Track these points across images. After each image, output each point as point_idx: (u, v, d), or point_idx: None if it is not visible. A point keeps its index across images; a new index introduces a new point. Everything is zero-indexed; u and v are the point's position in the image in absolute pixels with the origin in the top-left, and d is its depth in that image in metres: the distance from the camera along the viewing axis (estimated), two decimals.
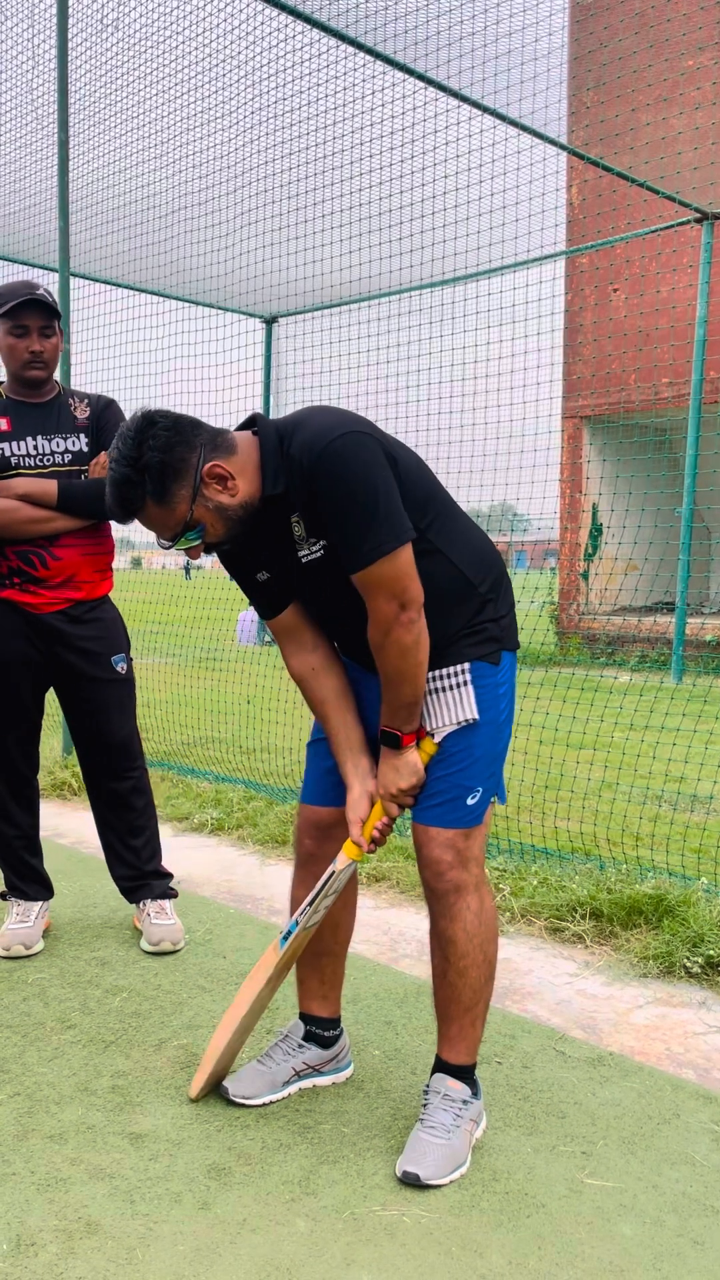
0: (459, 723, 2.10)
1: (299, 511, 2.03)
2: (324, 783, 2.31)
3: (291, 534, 2.08)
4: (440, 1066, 2.20)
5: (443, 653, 2.10)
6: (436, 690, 2.11)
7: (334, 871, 2.22)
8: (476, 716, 2.10)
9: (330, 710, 2.22)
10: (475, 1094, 2.20)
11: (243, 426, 2.15)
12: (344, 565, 1.98)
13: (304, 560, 2.09)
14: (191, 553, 2.09)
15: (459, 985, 2.15)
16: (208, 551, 2.11)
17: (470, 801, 2.11)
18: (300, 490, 2.00)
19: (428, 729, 2.12)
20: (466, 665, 2.10)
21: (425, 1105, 2.17)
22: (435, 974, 2.19)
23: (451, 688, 2.10)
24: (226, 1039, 2.32)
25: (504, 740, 2.19)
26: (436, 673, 2.11)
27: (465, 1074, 2.20)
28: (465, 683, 2.10)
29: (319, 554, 2.06)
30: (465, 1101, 2.16)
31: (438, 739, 2.11)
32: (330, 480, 1.94)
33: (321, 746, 2.32)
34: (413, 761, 2.10)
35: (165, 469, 1.98)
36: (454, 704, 2.10)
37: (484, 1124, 2.24)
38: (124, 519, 2.07)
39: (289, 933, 2.28)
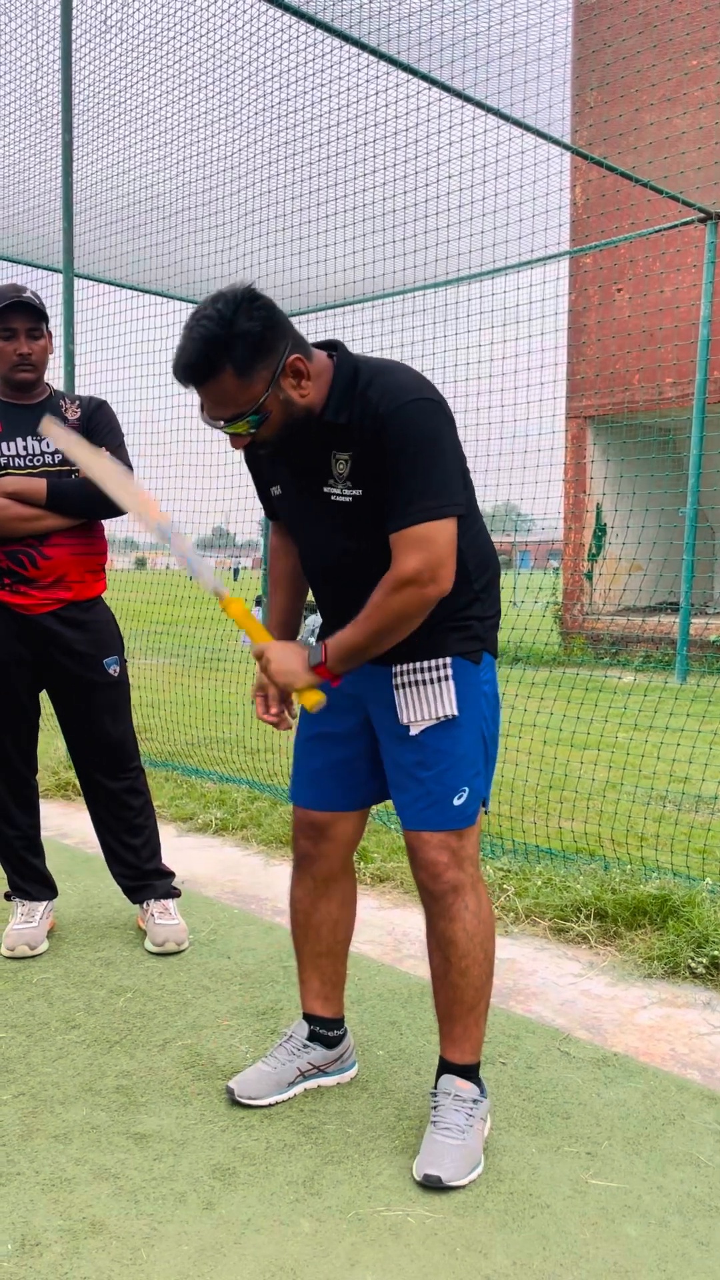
0: (438, 718, 2.08)
1: (352, 450, 2.00)
2: (316, 784, 2.31)
3: (328, 466, 2.04)
4: (447, 1068, 2.20)
5: (425, 642, 2.08)
6: (417, 683, 2.09)
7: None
8: (456, 713, 2.08)
9: (280, 588, 2.39)
10: (483, 1093, 2.21)
11: (320, 346, 2.11)
12: (389, 519, 1.96)
13: (331, 498, 2.05)
14: (236, 441, 2.04)
15: (461, 985, 2.15)
16: (250, 449, 2.07)
17: (457, 802, 2.10)
18: (364, 431, 1.97)
19: (403, 720, 2.10)
20: (448, 660, 2.09)
21: (436, 1107, 2.16)
22: (436, 976, 2.19)
23: (432, 681, 2.08)
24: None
25: (489, 744, 2.17)
26: (418, 664, 2.09)
27: (472, 1073, 2.20)
28: (446, 677, 2.09)
29: (348, 499, 2.03)
30: (475, 1101, 2.17)
31: (414, 731, 2.09)
32: (403, 435, 1.93)
33: (311, 745, 2.32)
34: (297, 671, 2.06)
35: (260, 342, 1.91)
36: (434, 698, 2.08)
37: (490, 1123, 2.25)
38: (195, 380, 1.94)
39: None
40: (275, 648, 2.10)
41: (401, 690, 2.11)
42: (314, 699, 2.10)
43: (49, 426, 2.46)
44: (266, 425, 1.99)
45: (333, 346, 2.10)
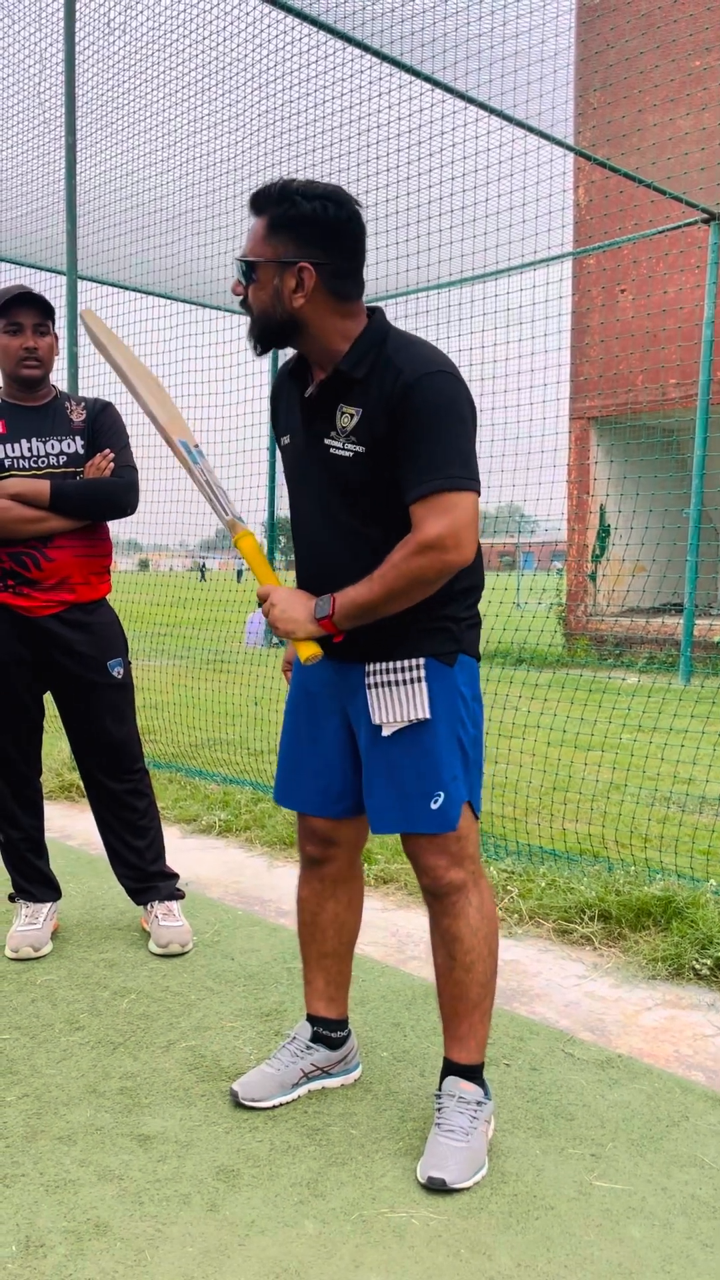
0: (409, 720, 2.06)
1: (363, 407, 2.00)
2: (318, 790, 2.28)
3: (332, 419, 2.05)
4: (451, 1069, 2.19)
5: (399, 642, 2.07)
6: (390, 683, 2.07)
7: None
8: (428, 715, 2.06)
9: None
10: (487, 1094, 2.20)
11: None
12: (409, 485, 1.95)
13: (330, 450, 2.05)
14: (234, 287, 2.08)
15: (466, 982, 2.14)
16: (242, 304, 2.09)
17: (434, 806, 2.07)
18: (380, 390, 1.97)
19: (375, 720, 2.08)
20: (422, 661, 2.07)
21: (440, 1109, 2.15)
22: (440, 973, 2.19)
23: (405, 682, 2.06)
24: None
25: (469, 749, 2.13)
26: (391, 665, 2.07)
27: (476, 1074, 2.19)
28: (419, 679, 2.06)
29: (348, 454, 2.03)
30: (479, 1103, 2.16)
31: (386, 733, 2.08)
32: (430, 403, 1.93)
33: (298, 748, 2.30)
34: (301, 620, 2.05)
35: (298, 221, 1.98)
36: (406, 699, 2.06)
37: (494, 1124, 2.24)
38: (252, 203, 2.05)
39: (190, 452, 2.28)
40: (281, 592, 2.09)
41: (374, 690, 2.09)
42: (310, 650, 2.08)
43: (89, 314, 2.41)
44: (253, 292, 2.04)
45: (373, 310, 2.12)
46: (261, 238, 2.01)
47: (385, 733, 2.08)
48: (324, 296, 2.02)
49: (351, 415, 2.02)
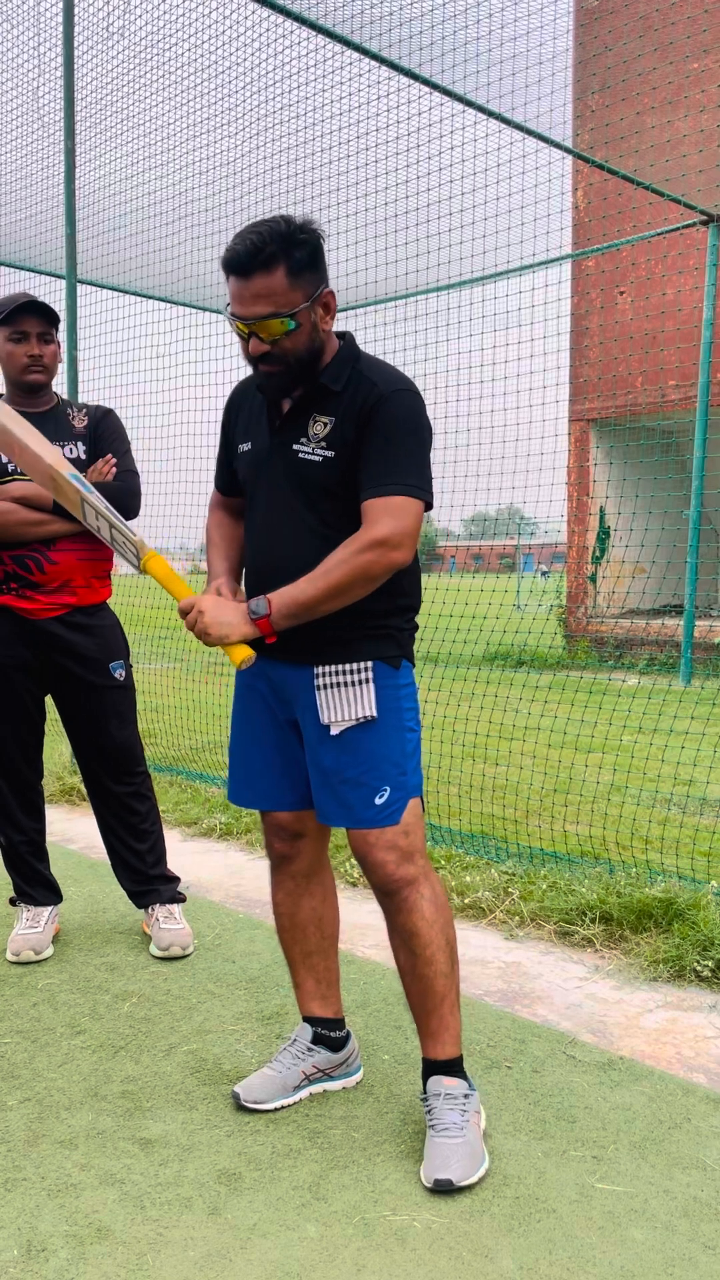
0: (358, 719, 2.12)
1: (336, 416, 2.08)
2: (280, 786, 2.31)
3: (304, 427, 2.12)
4: (432, 1069, 2.20)
5: (347, 647, 2.13)
6: (339, 685, 2.13)
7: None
8: (375, 714, 2.12)
9: (220, 551, 2.37)
10: (471, 1086, 2.22)
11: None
12: (367, 485, 2.04)
13: (299, 455, 2.12)
14: (253, 346, 2.05)
15: (429, 975, 2.17)
16: (263, 361, 2.07)
17: (378, 801, 2.12)
18: (354, 401, 2.06)
19: (324, 720, 2.13)
20: (369, 664, 2.13)
21: (430, 1111, 2.16)
22: (403, 972, 2.21)
23: (353, 684, 2.13)
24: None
25: (410, 744, 2.19)
26: (341, 667, 2.13)
27: (456, 1068, 2.21)
28: (367, 680, 2.13)
29: (318, 459, 2.10)
30: (466, 1095, 2.18)
31: (335, 731, 2.13)
32: (398, 417, 2.05)
33: (248, 746, 2.33)
34: (234, 623, 2.06)
35: (315, 255, 2.04)
36: (354, 700, 2.12)
37: (484, 1115, 2.27)
38: (249, 267, 1.98)
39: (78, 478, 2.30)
40: (207, 600, 2.11)
41: (323, 692, 2.14)
42: (243, 654, 2.10)
43: None
44: (290, 339, 2.05)
45: (343, 335, 2.21)
46: (287, 287, 2.01)
47: (334, 731, 2.13)
48: (334, 310, 2.13)
49: (325, 424, 2.11)
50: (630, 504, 12.22)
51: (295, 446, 2.13)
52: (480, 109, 5.94)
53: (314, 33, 5.25)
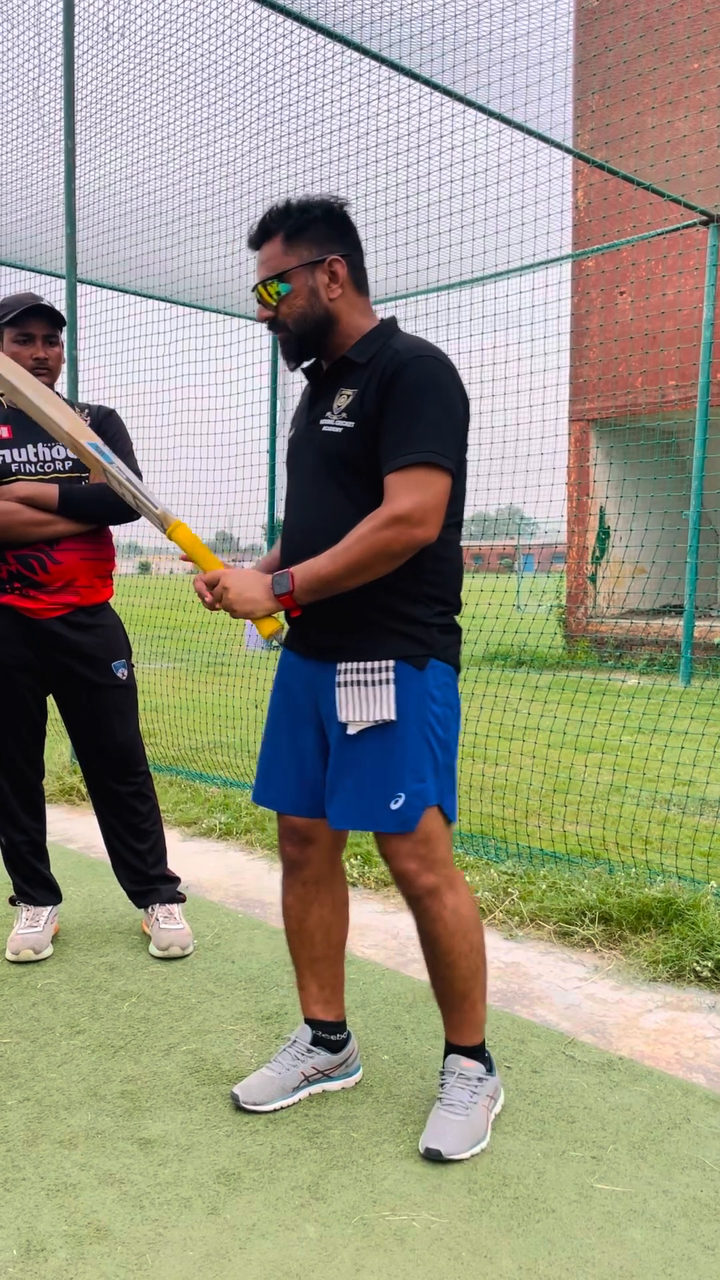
0: (374, 720, 2.08)
1: (361, 387, 2.08)
2: (298, 789, 2.29)
3: (331, 402, 2.13)
4: (451, 1048, 2.27)
5: (369, 642, 2.09)
6: (358, 683, 2.10)
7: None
8: (393, 718, 2.07)
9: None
10: (490, 1070, 2.26)
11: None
12: (388, 458, 2.01)
13: (323, 428, 2.12)
14: (261, 311, 2.15)
15: (450, 977, 2.20)
16: (271, 327, 2.15)
17: (393, 806, 2.09)
18: (376, 370, 2.06)
19: (342, 718, 2.10)
20: (391, 663, 2.09)
21: (442, 1085, 2.23)
22: (429, 969, 2.25)
23: (373, 683, 2.09)
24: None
25: (438, 752, 2.13)
26: (362, 665, 2.10)
27: (476, 1052, 2.25)
28: (388, 680, 2.08)
29: (338, 430, 2.09)
30: (480, 1079, 2.22)
31: (351, 731, 2.10)
32: (417, 381, 2.01)
33: (275, 747, 2.32)
34: (259, 599, 2.07)
35: (312, 223, 2.09)
36: (373, 700, 2.08)
37: (501, 1100, 2.30)
38: (255, 239, 2.15)
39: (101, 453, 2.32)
40: (232, 574, 2.11)
41: (344, 689, 2.12)
42: (272, 627, 2.11)
43: None
44: (287, 303, 2.11)
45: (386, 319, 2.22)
46: (281, 252, 2.11)
47: (351, 731, 2.11)
48: (350, 289, 2.14)
49: (348, 396, 2.10)
50: (630, 504, 12.23)
51: (322, 421, 2.14)
52: (481, 109, 5.94)
53: (314, 33, 5.25)
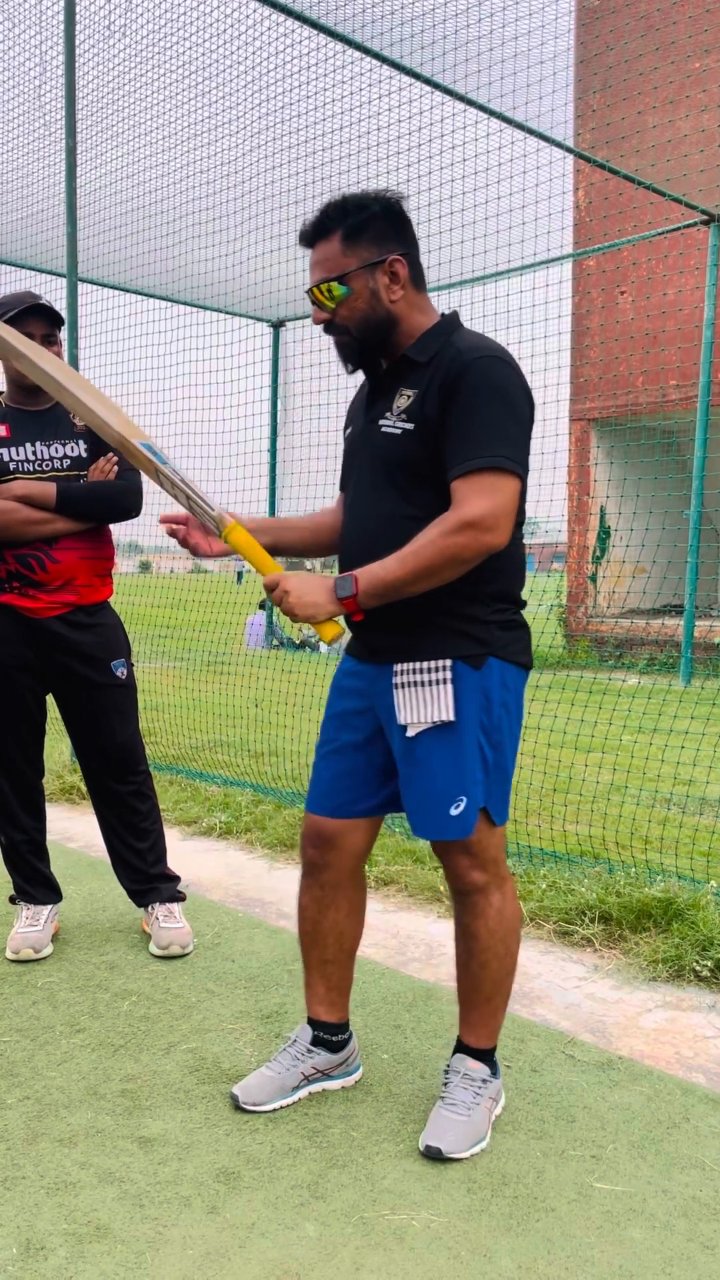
0: (432, 722, 2.05)
1: (422, 389, 2.03)
2: (330, 791, 2.28)
3: (390, 402, 2.08)
4: (461, 1048, 2.27)
5: (427, 642, 2.06)
6: (416, 684, 2.07)
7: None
8: (452, 718, 2.04)
9: (300, 525, 2.38)
10: (494, 1073, 2.27)
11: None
12: (455, 462, 1.95)
13: (382, 429, 2.08)
14: (317, 314, 2.11)
15: (480, 977, 2.21)
16: (327, 330, 2.11)
17: (454, 811, 2.07)
18: (438, 370, 2.01)
19: (400, 720, 2.07)
20: (449, 663, 2.05)
21: (446, 1084, 2.23)
22: (459, 963, 2.24)
23: (430, 683, 2.05)
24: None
25: (487, 751, 2.10)
26: (419, 665, 2.06)
27: (485, 1056, 2.26)
28: (445, 680, 2.04)
29: (397, 432, 2.05)
30: (484, 1080, 2.23)
31: (410, 733, 2.07)
32: (484, 384, 1.96)
33: (330, 755, 2.30)
34: (321, 603, 2.00)
35: (372, 222, 2.03)
36: (430, 701, 2.05)
37: (502, 1102, 2.30)
38: (310, 237, 2.09)
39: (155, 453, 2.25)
40: (293, 578, 2.04)
41: (401, 690, 2.08)
42: (334, 631, 2.07)
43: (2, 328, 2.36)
44: (347, 306, 2.06)
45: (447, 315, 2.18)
46: (340, 252, 2.05)
47: (410, 733, 2.08)
48: (410, 289, 2.09)
49: (408, 396, 2.06)
50: (630, 504, 12.23)
51: (380, 422, 2.09)
52: (482, 108, 5.94)
53: (315, 32, 5.25)
